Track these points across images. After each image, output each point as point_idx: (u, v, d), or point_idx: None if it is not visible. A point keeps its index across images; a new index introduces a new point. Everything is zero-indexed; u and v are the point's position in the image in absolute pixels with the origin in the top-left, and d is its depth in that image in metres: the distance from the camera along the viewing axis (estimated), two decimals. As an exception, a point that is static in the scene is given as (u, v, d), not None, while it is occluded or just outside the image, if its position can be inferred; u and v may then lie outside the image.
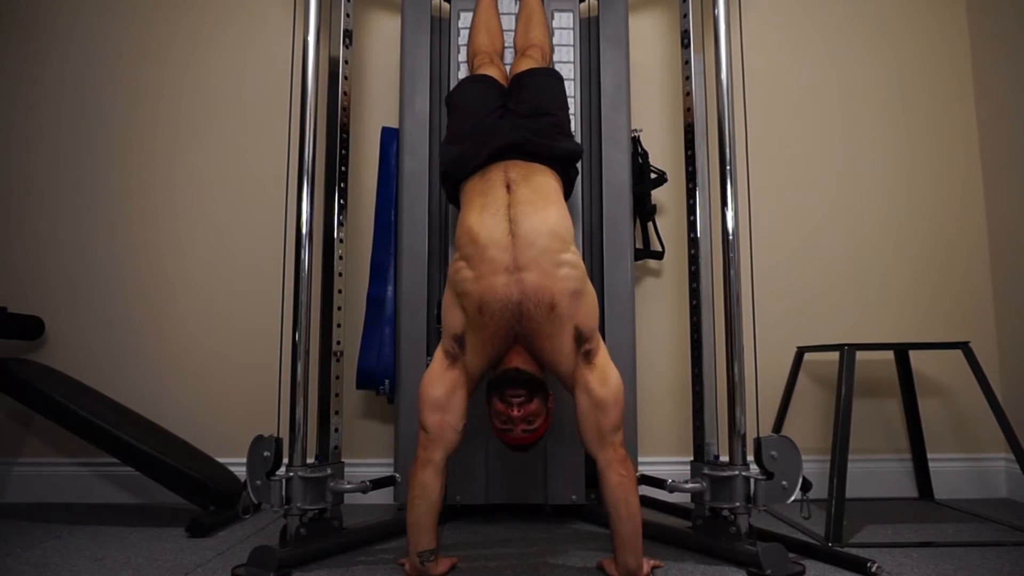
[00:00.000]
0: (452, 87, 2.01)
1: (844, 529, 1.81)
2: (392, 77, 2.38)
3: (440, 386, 1.53)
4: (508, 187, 1.64)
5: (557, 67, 2.17)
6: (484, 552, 1.72)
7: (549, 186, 1.70)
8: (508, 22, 2.21)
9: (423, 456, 1.50)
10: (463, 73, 2.18)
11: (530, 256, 1.52)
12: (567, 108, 1.93)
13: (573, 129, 2.14)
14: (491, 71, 1.99)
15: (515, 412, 1.49)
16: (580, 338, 1.52)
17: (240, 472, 1.86)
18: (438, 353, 1.58)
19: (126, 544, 1.81)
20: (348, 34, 2.10)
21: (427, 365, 2.02)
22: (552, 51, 2.14)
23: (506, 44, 2.18)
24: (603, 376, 1.51)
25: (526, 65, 1.98)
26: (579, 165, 1.88)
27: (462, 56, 2.20)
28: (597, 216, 2.12)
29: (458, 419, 1.53)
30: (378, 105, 2.49)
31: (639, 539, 1.48)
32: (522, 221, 1.56)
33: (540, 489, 2.00)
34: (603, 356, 1.54)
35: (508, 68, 2.12)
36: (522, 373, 1.51)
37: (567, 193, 1.81)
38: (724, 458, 1.78)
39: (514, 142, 1.71)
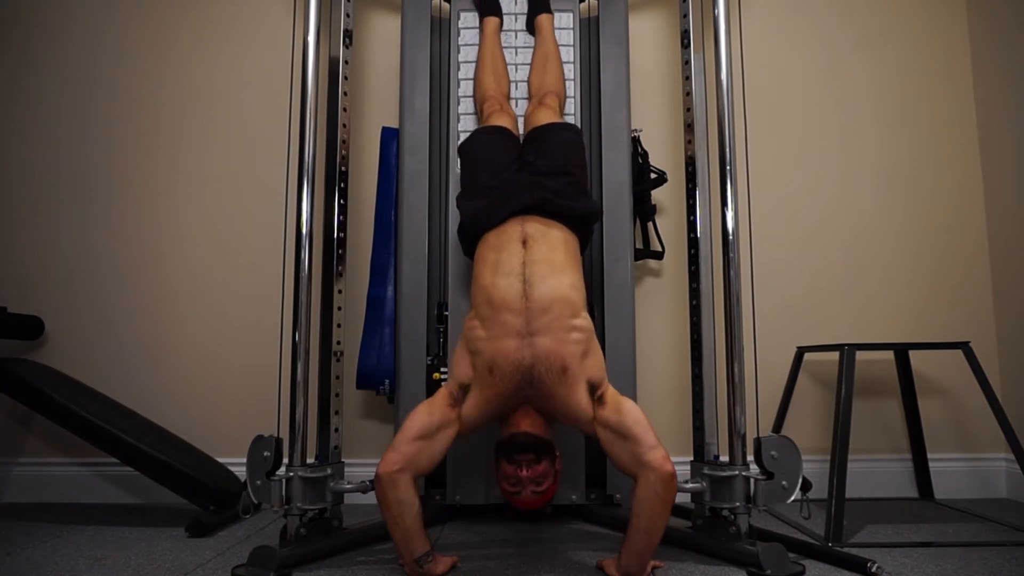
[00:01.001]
0: (464, 140, 1.96)
1: (844, 529, 1.81)
2: (392, 77, 2.38)
3: (436, 416, 1.54)
4: (524, 242, 1.65)
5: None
6: (484, 552, 1.72)
7: (566, 244, 1.71)
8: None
9: (392, 476, 1.46)
10: (463, 73, 2.19)
11: (543, 322, 1.54)
12: (586, 166, 1.91)
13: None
14: (503, 120, 1.98)
15: (524, 472, 1.48)
16: (593, 389, 1.55)
17: (240, 472, 1.86)
18: (441, 390, 1.59)
19: (126, 544, 1.81)
20: (348, 34, 2.10)
21: (427, 365, 2.05)
22: (566, 94, 2.12)
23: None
24: (616, 406, 1.52)
25: (545, 117, 1.96)
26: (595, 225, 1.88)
27: (462, 56, 2.20)
28: (597, 216, 2.12)
29: (439, 453, 1.53)
30: (378, 105, 2.48)
31: (649, 553, 1.48)
32: (537, 284, 1.57)
33: (540, 489, 2.00)
34: (612, 392, 1.56)
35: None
36: (531, 437, 1.50)
37: (584, 247, 1.81)
38: (724, 458, 1.78)
39: (534, 202, 1.72)
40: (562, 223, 1.73)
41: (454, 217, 2.06)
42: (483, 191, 1.80)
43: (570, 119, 2.15)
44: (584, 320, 1.60)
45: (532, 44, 2.21)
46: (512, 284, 1.58)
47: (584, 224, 1.80)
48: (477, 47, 2.19)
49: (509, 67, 2.19)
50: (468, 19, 2.22)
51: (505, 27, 2.23)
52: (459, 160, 1.94)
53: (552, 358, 1.51)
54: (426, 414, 1.54)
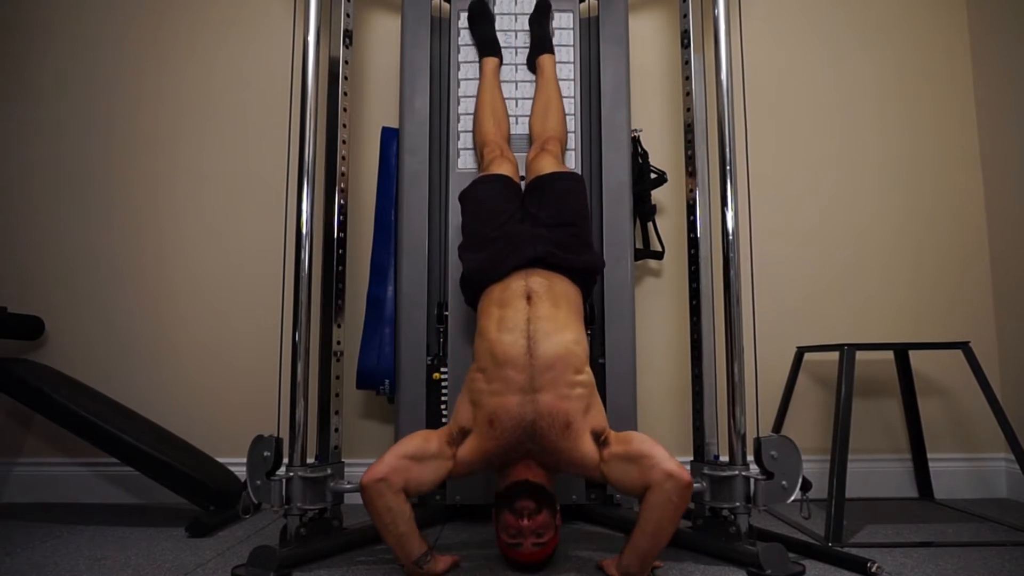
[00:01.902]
0: (465, 188, 1.94)
1: (844, 529, 1.81)
2: (392, 77, 2.37)
3: (432, 444, 1.54)
4: (528, 298, 1.65)
5: (557, 67, 2.17)
6: (484, 552, 1.72)
7: (569, 299, 1.70)
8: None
9: (376, 485, 1.45)
10: (463, 73, 2.19)
11: (547, 379, 1.53)
12: (588, 217, 1.91)
13: (572, 129, 2.15)
14: (504, 168, 1.96)
15: (525, 522, 1.45)
16: (596, 436, 1.54)
17: (240, 472, 1.86)
18: (443, 428, 1.60)
19: (126, 544, 1.81)
20: (348, 34, 2.10)
21: (427, 365, 2.05)
22: (567, 138, 2.12)
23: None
24: (620, 439, 1.53)
25: (548, 165, 1.93)
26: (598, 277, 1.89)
27: (462, 56, 2.20)
28: (597, 216, 2.12)
29: (426, 481, 1.51)
30: (378, 105, 2.48)
31: (653, 556, 1.48)
32: (541, 341, 1.57)
33: (540, 489, 1.99)
34: (613, 433, 1.56)
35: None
36: (532, 485, 1.49)
37: (586, 297, 1.82)
38: (724, 458, 1.78)
39: (537, 256, 1.71)
40: (565, 275, 1.73)
41: (454, 217, 2.06)
42: (485, 243, 1.79)
43: (570, 119, 2.15)
44: (587, 376, 1.60)
45: (533, 79, 2.20)
46: (516, 340, 1.57)
47: (587, 277, 1.80)
48: (477, 83, 2.17)
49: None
50: (468, 19, 2.22)
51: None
52: (460, 208, 1.92)
53: (555, 414, 1.51)
54: (422, 439, 1.55)
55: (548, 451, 1.52)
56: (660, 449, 1.47)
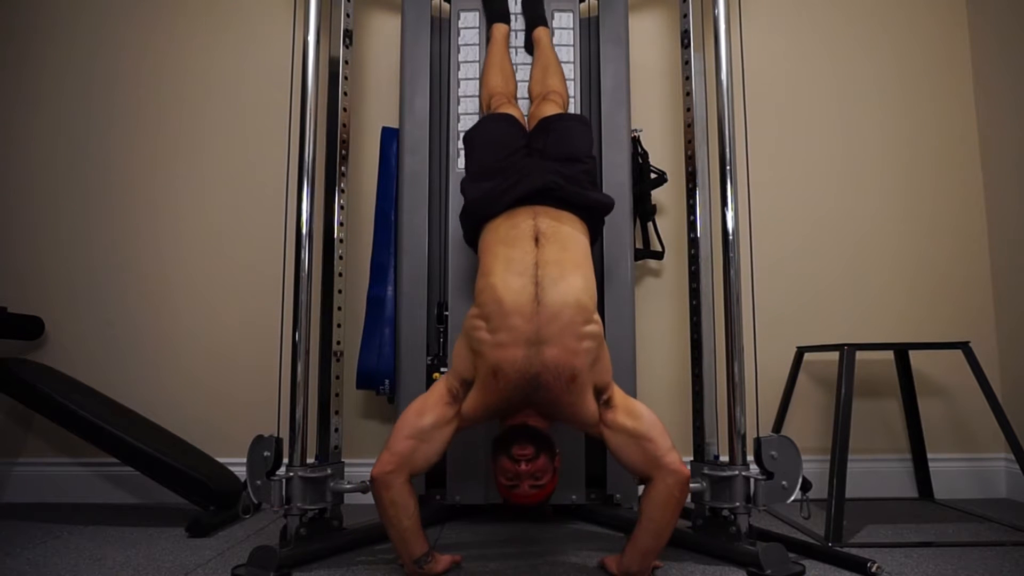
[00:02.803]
0: (473, 125, 1.91)
1: (844, 529, 1.81)
2: (392, 77, 2.37)
3: (430, 416, 1.50)
4: (537, 239, 1.58)
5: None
6: (484, 552, 1.72)
7: (578, 242, 1.64)
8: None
9: (385, 477, 1.45)
10: (463, 73, 2.18)
11: (554, 331, 1.47)
12: (595, 159, 1.85)
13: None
14: (511, 110, 1.94)
15: (523, 467, 1.44)
16: (600, 393, 1.52)
17: (240, 472, 1.86)
18: (440, 385, 1.55)
19: (126, 544, 1.81)
20: (348, 34, 2.10)
21: (427, 365, 2.05)
22: (568, 98, 2.10)
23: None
24: (628, 410, 1.50)
25: (551, 110, 1.91)
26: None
27: (462, 56, 2.20)
28: (597, 216, 2.12)
29: (435, 452, 1.50)
30: (378, 105, 2.48)
31: (655, 553, 1.48)
32: (549, 288, 1.50)
33: (540, 489, 1.99)
34: (620, 394, 1.53)
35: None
36: (530, 429, 1.48)
37: (593, 242, 1.75)
38: (724, 458, 1.78)
39: (546, 186, 1.65)
40: (574, 214, 1.68)
41: (454, 217, 2.06)
42: (491, 173, 1.73)
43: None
44: (595, 325, 1.53)
45: (531, 61, 2.19)
46: (525, 286, 1.50)
47: (596, 216, 1.74)
48: (479, 48, 2.18)
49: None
50: (468, 19, 2.22)
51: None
52: (463, 149, 1.87)
53: (561, 368, 1.46)
54: (417, 414, 1.51)
55: (551, 403, 1.49)
56: (666, 438, 1.46)
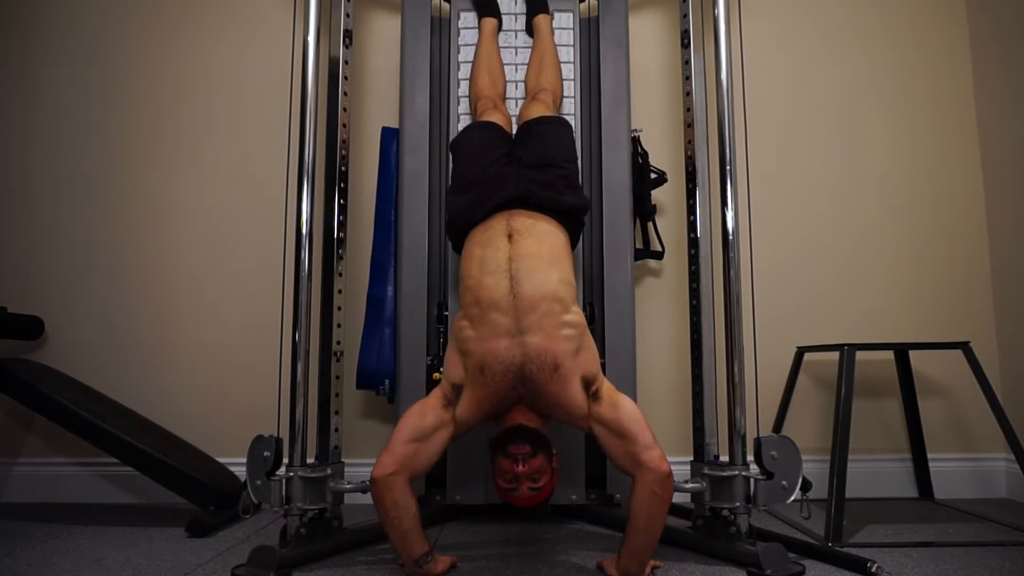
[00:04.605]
0: (458, 133, 1.95)
1: (844, 529, 1.81)
2: (392, 77, 2.38)
3: (430, 417, 1.52)
4: (510, 236, 1.62)
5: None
6: (484, 552, 1.72)
7: (553, 236, 1.67)
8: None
9: (387, 479, 1.46)
10: (463, 73, 2.18)
11: (532, 320, 1.51)
12: (576, 159, 1.88)
13: (573, 129, 2.14)
14: (495, 117, 1.96)
15: (520, 468, 1.44)
16: (587, 384, 1.52)
17: (240, 472, 1.86)
18: (436, 391, 1.58)
19: (126, 544, 1.81)
20: (348, 34, 2.10)
21: (427, 365, 2.05)
22: (563, 94, 2.12)
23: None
24: (612, 403, 1.51)
25: (536, 111, 1.95)
26: (585, 219, 1.84)
27: (462, 56, 2.20)
28: (597, 216, 2.12)
29: (433, 454, 1.51)
30: (378, 105, 2.48)
31: (649, 552, 1.48)
32: (524, 281, 1.54)
33: (540, 489, 1.99)
34: (608, 388, 1.54)
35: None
36: (526, 428, 1.49)
37: (574, 242, 1.79)
38: (724, 458, 1.78)
39: (519, 195, 1.69)
40: (550, 216, 1.71)
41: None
42: (468, 186, 1.78)
43: (570, 119, 2.14)
44: (575, 315, 1.56)
45: (531, 44, 2.21)
46: (499, 282, 1.54)
47: (573, 219, 1.77)
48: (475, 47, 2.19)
49: (509, 67, 2.19)
50: (468, 19, 2.22)
51: (505, 27, 2.23)
52: (451, 157, 1.93)
53: (543, 356, 1.49)
54: (418, 415, 1.53)
55: (538, 395, 1.50)
56: (645, 432, 1.47)
